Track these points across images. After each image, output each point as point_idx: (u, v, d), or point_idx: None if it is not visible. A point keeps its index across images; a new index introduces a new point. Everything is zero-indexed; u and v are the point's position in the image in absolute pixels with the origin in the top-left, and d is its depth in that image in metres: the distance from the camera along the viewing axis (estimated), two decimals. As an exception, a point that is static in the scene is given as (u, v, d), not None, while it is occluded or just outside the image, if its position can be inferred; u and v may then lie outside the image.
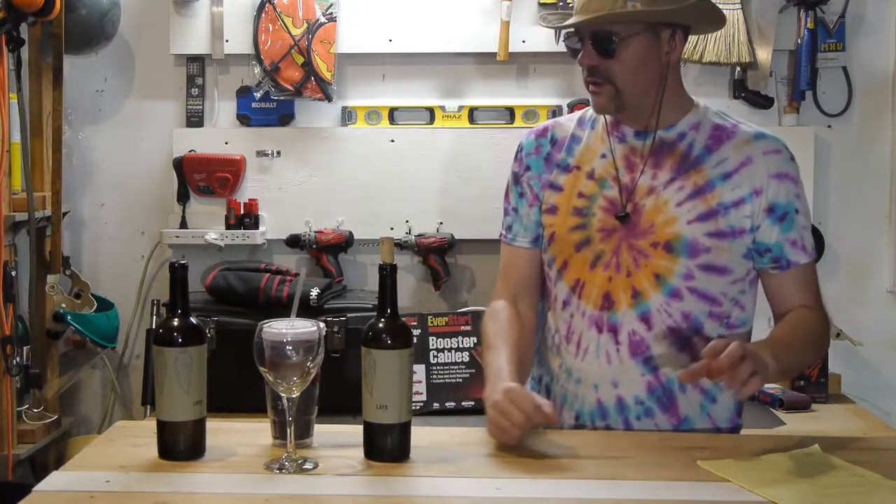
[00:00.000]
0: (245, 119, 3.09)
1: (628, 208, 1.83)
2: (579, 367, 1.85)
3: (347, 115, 3.09)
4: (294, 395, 1.54)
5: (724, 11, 2.92)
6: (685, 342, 1.81)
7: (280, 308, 2.66)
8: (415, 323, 2.84)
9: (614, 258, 1.83)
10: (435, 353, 2.84)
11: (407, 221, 3.05)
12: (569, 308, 1.87)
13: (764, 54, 2.99)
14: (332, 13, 3.00)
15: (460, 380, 2.82)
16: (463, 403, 2.79)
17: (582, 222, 1.86)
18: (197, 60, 3.10)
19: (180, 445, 1.57)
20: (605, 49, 1.79)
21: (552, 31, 1.88)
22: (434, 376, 2.82)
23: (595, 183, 1.86)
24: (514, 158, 1.98)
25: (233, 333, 2.74)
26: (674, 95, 1.87)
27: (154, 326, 2.97)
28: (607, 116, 1.89)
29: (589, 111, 1.95)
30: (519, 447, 1.62)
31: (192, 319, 1.58)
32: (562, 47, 3.25)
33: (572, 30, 1.84)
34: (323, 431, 1.68)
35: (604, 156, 1.88)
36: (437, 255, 3.03)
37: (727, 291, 1.83)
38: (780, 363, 1.65)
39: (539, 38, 2.97)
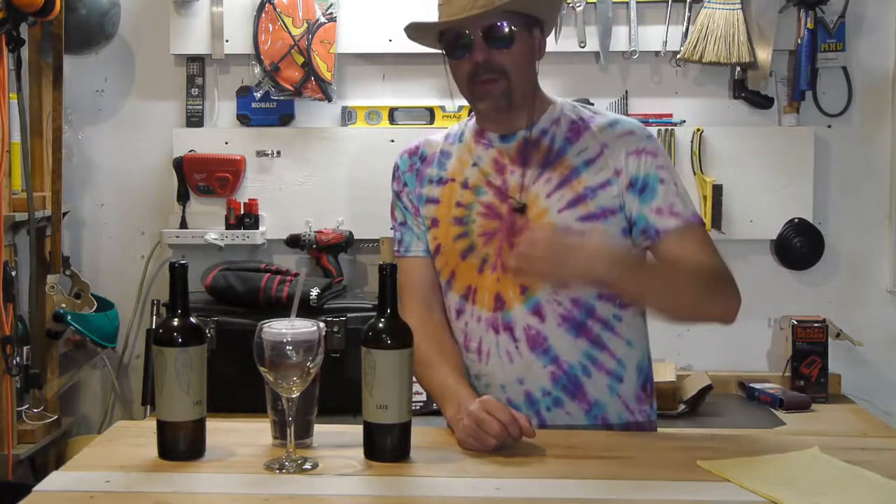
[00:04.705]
0: (245, 119, 3.09)
1: (503, 209, 1.86)
2: (485, 371, 1.88)
3: (347, 115, 3.09)
4: (294, 395, 1.54)
5: (724, 11, 2.97)
6: (580, 327, 1.84)
7: (280, 308, 2.66)
8: (415, 323, 2.83)
9: (499, 259, 1.86)
10: (435, 352, 2.83)
11: (407, 221, 3.05)
12: (463, 316, 1.90)
13: (764, 54, 2.99)
14: (332, 13, 3.00)
15: (460, 380, 2.81)
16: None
17: (463, 230, 1.90)
18: (197, 60, 3.10)
19: (180, 445, 1.58)
20: (501, 41, 1.81)
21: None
22: (434, 376, 2.81)
23: (470, 191, 1.90)
24: (393, 178, 2.02)
25: (233, 333, 2.74)
26: (538, 95, 1.92)
27: (154, 326, 2.98)
28: (472, 129, 1.94)
29: (455, 128, 2.00)
30: (519, 448, 1.62)
31: (192, 319, 1.58)
32: (563, 47, 3.22)
33: (452, 29, 1.81)
34: (323, 431, 1.68)
35: (474, 164, 1.92)
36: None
37: None
38: (636, 266, 1.76)
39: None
